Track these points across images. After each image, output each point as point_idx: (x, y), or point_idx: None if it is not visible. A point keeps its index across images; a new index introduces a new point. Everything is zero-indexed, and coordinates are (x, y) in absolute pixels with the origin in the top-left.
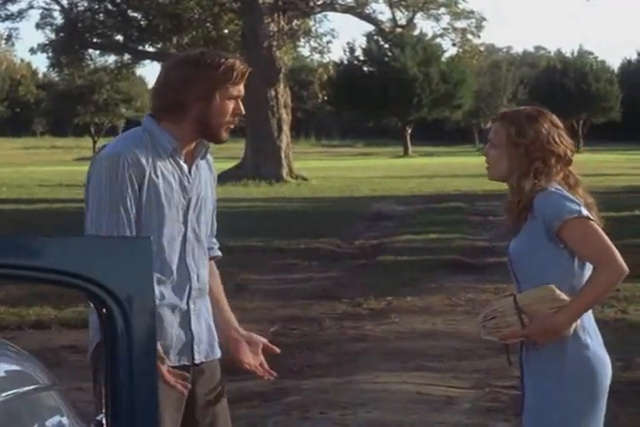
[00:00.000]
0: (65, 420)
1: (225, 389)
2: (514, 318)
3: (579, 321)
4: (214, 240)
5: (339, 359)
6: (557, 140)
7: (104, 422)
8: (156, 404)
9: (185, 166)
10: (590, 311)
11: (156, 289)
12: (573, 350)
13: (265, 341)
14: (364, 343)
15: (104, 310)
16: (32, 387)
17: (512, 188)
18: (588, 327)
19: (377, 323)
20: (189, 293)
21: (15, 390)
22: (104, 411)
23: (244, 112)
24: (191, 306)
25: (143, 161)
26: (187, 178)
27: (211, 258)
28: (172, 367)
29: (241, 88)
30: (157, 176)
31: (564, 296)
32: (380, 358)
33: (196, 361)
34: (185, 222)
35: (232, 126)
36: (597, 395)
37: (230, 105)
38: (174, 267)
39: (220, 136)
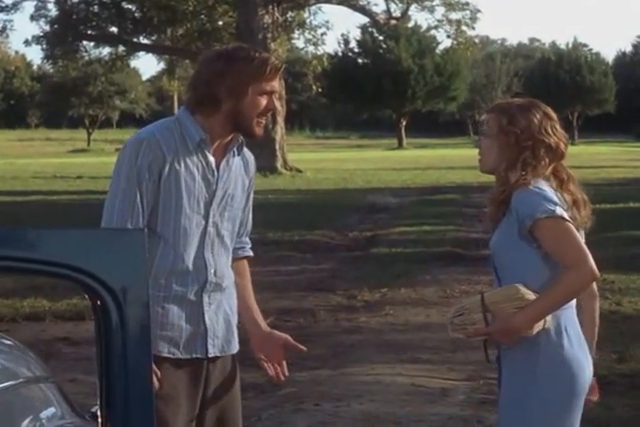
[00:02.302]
0: (59, 411)
1: (239, 384)
2: (479, 316)
3: (552, 320)
4: (247, 240)
5: (333, 351)
6: (550, 131)
7: (99, 413)
8: (151, 395)
9: (212, 159)
10: (573, 311)
11: (165, 280)
12: (548, 351)
13: (286, 338)
14: (359, 335)
15: (98, 302)
16: (26, 379)
17: (499, 178)
18: (567, 327)
19: (371, 315)
20: (203, 286)
21: (10, 382)
22: (98, 402)
23: (278, 108)
24: (205, 299)
25: (165, 148)
26: (212, 171)
27: (243, 257)
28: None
29: (274, 84)
30: (180, 165)
31: (529, 296)
32: (375, 350)
33: (210, 355)
34: (206, 216)
35: (264, 122)
36: (572, 397)
37: (263, 101)
38: (188, 258)
39: (252, 131)
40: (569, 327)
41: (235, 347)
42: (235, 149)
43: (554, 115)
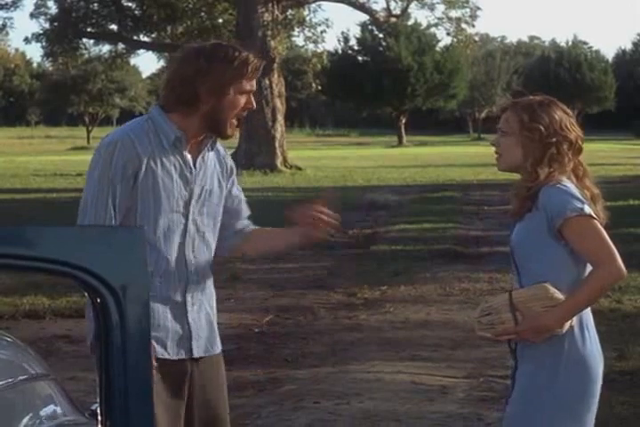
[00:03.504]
0: (59, 409)
1: (225, 384)
2: (508, 316)
3: (575, 318)
4: (247, 222)
5: (333, 349)
6: (569, 126)
7: (98, 411)
8: (151, 393)
9: (189, 157)
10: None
11: (151, 281)
12: (571, 347)
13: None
14: (359, 333)
15: (98, 300)
16: (26, 377)
17: (526, 174)
18: (587, 324)
19: (371, 312)
20: (186, 285)
21: (9, 380)
22: (98, 400)
23: (254, 106)
24: (188, 299)
25: (140, 149)
26: (189, 169)
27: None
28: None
29: (254, 83)
30: (156, 165)
31: (558, 295)
32: (375, 347)
33: (195, 355)
34: (186, 214)
35: (236, 122)
36: (590, 392)
37: (242, 99)
38: (171, 258)
39: (225, 132)
40: (588, 323)
41: (218, 347)
42: (209, 145)
43: (569, 111)
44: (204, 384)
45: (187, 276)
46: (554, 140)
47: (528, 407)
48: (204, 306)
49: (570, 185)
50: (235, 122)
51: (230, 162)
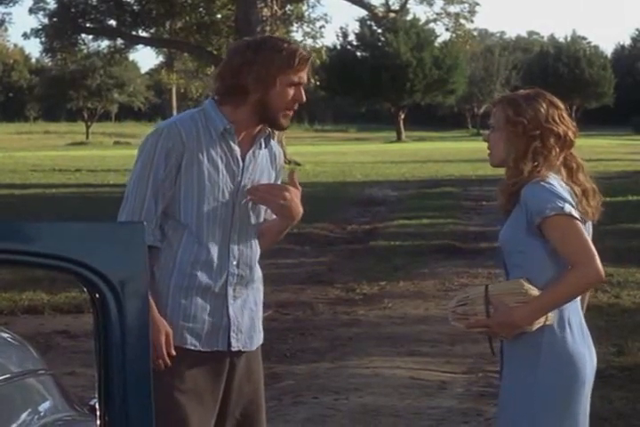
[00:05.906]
0: (57, 405)
1: (262, 380)
2: (481, 308)
3: (555, 315)
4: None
5: (331, 344)
6: (557, 119)
7: (97, 406)
8: (150, 388)
9: (237, 150)
10: (577, 305)
11: (189, 270)
12: (550, 345)
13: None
14: (357, 328)
15: (97, 295)
16: (24, 372)
17: (509, 170)
18: (570, 320)
19: (370, 308)
20: (227, 278)
21: (7, 376)
22: (97, 395)
23: (304, 99)
24: (229, 292)
25: (186, 137)
26: (237, 161)
27: None
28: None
29: (302, 75)
30: (202, 155)
31: (532, 292)
32: (373, 342)
33: (233, 348)
34: (232, 207)
35: (291, 114)
36: (574, 391)
37: (290, 91)
38: (213, 250)
39: (278, 122)
40: (572, 320)
41: (258, 341)
42: (262, 141)
43: (560, 104)
44: (240, 379)
45: (229, 268)
46: (537, 132)
47: (514, 407)
48: (248, 301)
49: (555, 182)
50: (289, 113)
51: (281, 164)
